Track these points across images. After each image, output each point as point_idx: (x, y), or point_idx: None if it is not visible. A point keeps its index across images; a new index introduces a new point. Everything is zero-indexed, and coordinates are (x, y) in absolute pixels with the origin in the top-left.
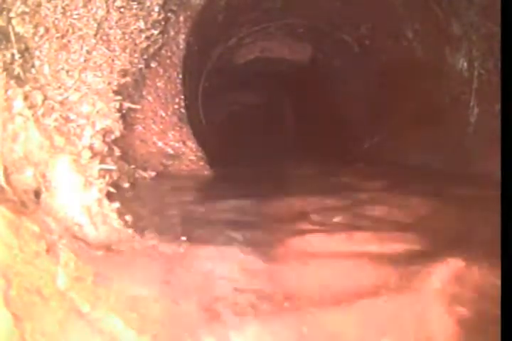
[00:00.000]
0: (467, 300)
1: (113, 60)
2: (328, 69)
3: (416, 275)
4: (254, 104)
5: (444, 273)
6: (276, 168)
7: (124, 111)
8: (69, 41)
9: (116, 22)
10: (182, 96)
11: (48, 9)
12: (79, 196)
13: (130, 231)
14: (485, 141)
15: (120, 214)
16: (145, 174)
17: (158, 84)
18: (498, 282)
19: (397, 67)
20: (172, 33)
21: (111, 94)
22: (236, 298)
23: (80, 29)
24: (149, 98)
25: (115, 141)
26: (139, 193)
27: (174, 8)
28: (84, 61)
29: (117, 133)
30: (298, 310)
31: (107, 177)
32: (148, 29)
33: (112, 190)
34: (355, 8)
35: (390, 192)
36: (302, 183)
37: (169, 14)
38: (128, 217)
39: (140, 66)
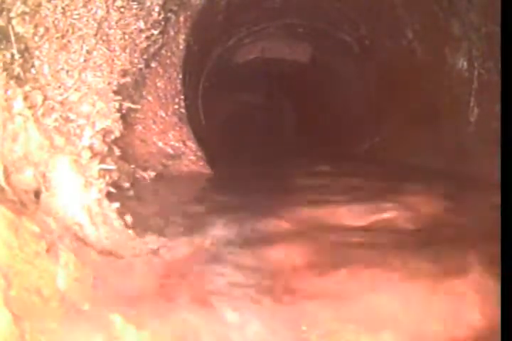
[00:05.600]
0: None
1: (113, 60)
2: (328, 69)
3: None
4: (254, 104)
5: None
6: (276, 167)
7: (124, 111)
8: (69, 41)
9: (116, 22)
10: (182, 96)
11: (48, 9)
12: (79, 196)
13: (130, 231)
14: (485, 141)
15: (120, 214)
16: (145, 174)
17: (158, 84)
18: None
19: (397, 67)
20: (172, 33)
21: (111, 94)
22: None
23: (80, 29)
24: (149, 98)
25: (115, 141)
26: (139, 193)
27: (174, 8)
28: (84, 61)
29: (117, 133)
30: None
31: (107, 177)
32: (148, 29)
33: (112, 190)
34: (355, 8)
35: (390, 191)
36: (302, 183)
37: (169, 14)
38: (128, 217)
39: (140, 66)
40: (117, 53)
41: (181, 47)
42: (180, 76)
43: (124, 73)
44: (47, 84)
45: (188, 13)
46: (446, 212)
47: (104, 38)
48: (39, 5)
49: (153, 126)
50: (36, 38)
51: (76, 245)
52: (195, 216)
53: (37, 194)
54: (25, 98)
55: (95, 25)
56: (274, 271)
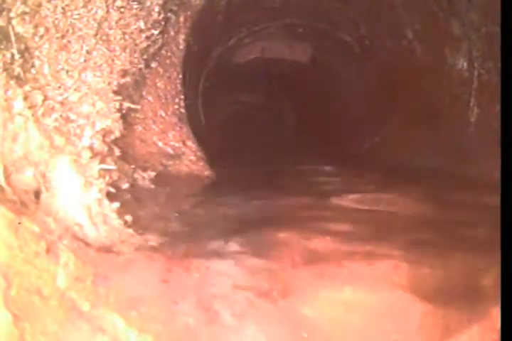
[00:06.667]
0: None
1: (113, 60)
2: (328, 69)
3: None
4: (254, 104)
5: None
6: (276, 168)
7: (124, 111)
8: (69, 41)
9: (116, 22)
10: (182, 96)
11: (48, 9)
12: (79, 196)
13: (130, 231)
14: (485, 141)
15: (120, 214)
16: (145, 174)
17: (158, 84)
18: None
19: (397, 67)
20: (172, 33)
21: (111, 94)
22: (234, 295)
23: (80, 29)
24: (149, 98)
25: (115, 141)
26: (139, 193)
27: (174, 8)
28: (84, 61)
29: (117, 133)
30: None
31: (107, 178)
32: (148, 29)
33: (112, 190)
34: (355, 8)
35: (389, 192)
36: (302, 183)
37: (169, 14)
38: (128, 218)
39: (140, 66)
40: (117, 53)
41: (181, 47)
42: (180, 76)
43: (124, 73)
44: (47, 84)
45: (188, 13)
46: (444, 212)
47: (104, 38)
48: (39, 5)
49: (153, 126)
50: (36, 38)
51: (76, 245)
52: (195, 216)
53: (37, 194)
54: (25, 98)
55: (95, 25)
56: (274, 273)
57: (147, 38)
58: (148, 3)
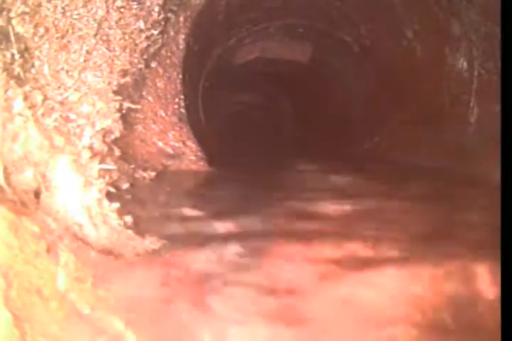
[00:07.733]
0: None
1: (113, 60)
2: (328, 69)
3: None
4: (253, 104)
5: None
6: (276, 168)
7: (124, 111)
8: (69, 41)
9: (116, 22)
10: (182, 96)
11: (48, 9)
12: (79, 196)
13: (130, 231)
14: (485, 141)
15: (120, 214)
16: (145, 174)
17: (158, 84)
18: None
19: (397, 67)
20: (172, 33)
21: (111, 94)
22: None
23: (80, 29)
24: (149, 98)
25: (115, 141)
26: (139, 193)
27: (174, 8)
28: (84, 61)
29: (117, 133)
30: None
31: (107, 177)
32: (148, 29)
33: (112, 190)
34: (355, 8)
35: (389, 192)
36: (301, 183)
37: (169, 14)
38: (128, 218)
39: (140, 66)
40: (117, 53)
41: (181, 47)
42: (180, 76)
43: (124, 73)
44: (47, 84)
45: (188, 13)
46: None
47: (104, 37)
48: (39, 5)
49: (153, 126)
50: (36, 38)
51: (76, 245)
52: (195, 216)
53: (37, 194)
54: (25, 98)
55: (95, 25)
56: (274, 270)
57: (147, 38)
58: (148, 3)
